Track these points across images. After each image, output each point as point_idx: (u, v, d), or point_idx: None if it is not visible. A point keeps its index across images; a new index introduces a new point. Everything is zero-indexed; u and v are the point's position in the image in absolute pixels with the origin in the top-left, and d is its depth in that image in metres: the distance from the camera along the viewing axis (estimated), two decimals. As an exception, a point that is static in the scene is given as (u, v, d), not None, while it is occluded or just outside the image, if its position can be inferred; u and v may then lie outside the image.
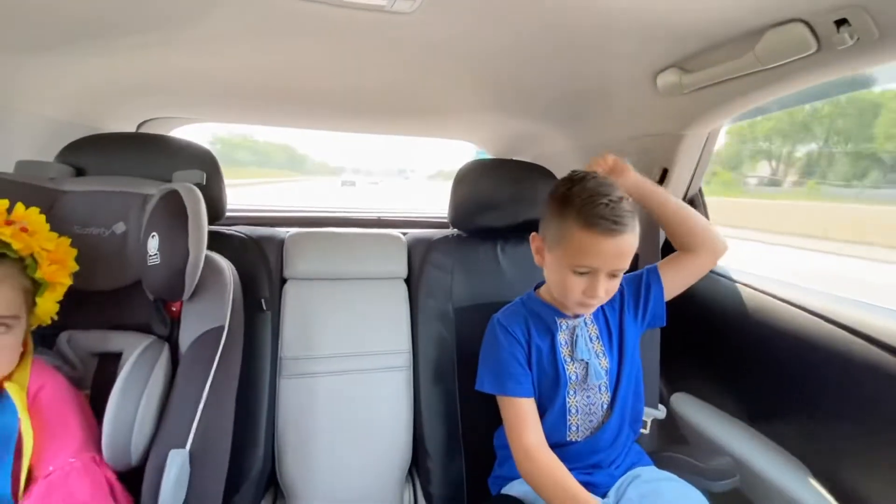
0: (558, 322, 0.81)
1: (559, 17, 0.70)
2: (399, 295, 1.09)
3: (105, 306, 0.76)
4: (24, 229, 0.62)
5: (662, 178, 1.03)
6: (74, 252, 0.69)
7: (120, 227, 0.76)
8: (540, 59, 0.89)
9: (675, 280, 0.83)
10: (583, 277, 0.71)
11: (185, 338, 0.73)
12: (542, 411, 0.79)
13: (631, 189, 0.81)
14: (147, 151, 0.88)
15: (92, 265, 0.73)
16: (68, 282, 0.68)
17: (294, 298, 1.03)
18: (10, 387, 0.59)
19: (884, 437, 0.69)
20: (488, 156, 1.81)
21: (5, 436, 0.58)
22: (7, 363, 0.60)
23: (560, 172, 1.13)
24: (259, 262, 0.99)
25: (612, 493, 0.77)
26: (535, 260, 0.80)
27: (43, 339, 0.72)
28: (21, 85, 0.91)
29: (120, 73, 1.00)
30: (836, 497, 0.73)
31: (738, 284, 0.98)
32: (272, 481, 0.98)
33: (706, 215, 1.11)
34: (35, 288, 0.64)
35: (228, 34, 0.81)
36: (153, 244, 0.69)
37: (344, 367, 1.01)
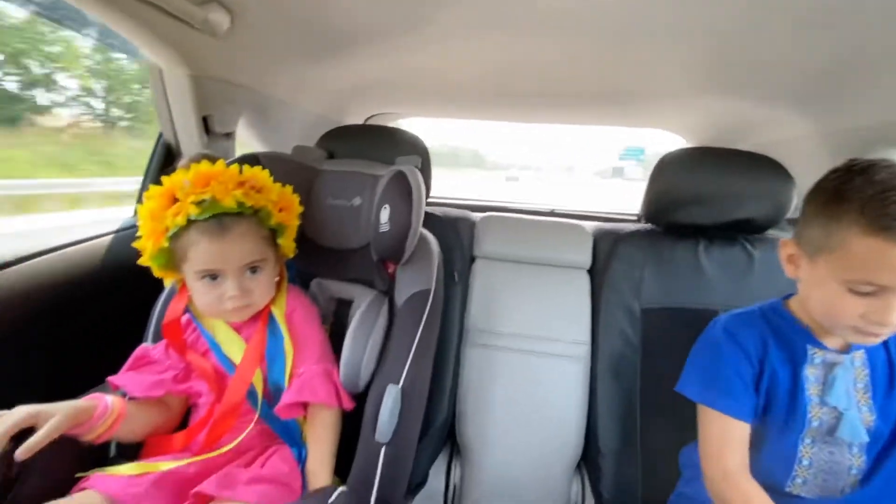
0: (811, 353, 0.65)
1: None
2: (581, 285, 1.08)
3: (343, 262, 0.93)
4: (253, 187, 0.71)
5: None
6: (297, 197, 0.80)
7: (357, 201, 0.92)
8: (780, 33, 0.75)
9: None
10: (863, 298, 0.55)
11: (399, 296, 0.85)
12: (756, 447, 0.66)
13: None
14: (377, 139, 1.05)
15: (339, 229, 0.91)
16: (297, 222, 0.80)
17: (481, 275, 1.11)
18: (274, 310, 0.78)
19: None
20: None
21: (278, 348, 0.77)
22: (269, 290, 0.76)
23: (793, 163, 0.95)
24: (453, 239, 1.09)
25: None
26: (787, 271, 0.65)
27: (303, 282, 0.93)
28: (301, 86, 1.19)
29: (358, 75, 1.21)
30: None
31: None
32: (451, 436, 1.09)
33: None
34: (273, 233, 0.77)
35: (453, 33, 0.90)
36: (385, 214, 0.83)
37: (522, 346, 1.06)
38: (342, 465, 0.72)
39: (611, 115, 1.44)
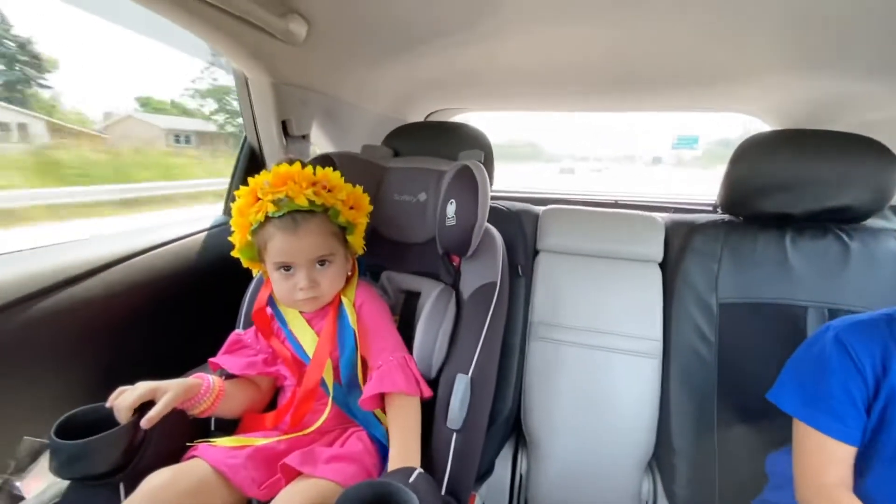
0: None
1: None
2: (652, 279, 1.04)
3: (410, 256, 0.96)
4: (324, 187, 0.75)
5: None
6: (366, 197, 0.83)
7: (422, 196, 0.94)
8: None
9: None
10: None
11: (465, 288, 0.87)
12: (864, 469, 0.61)
13: None
14: (440, 136, 1.07)
15: (405, 223, 0.94)
16: (366, 220, 0.83)
17: (545, 269, 1.10)
18: (344, 300, 0.82)
19: None
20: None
21: (347, 338, 0.80)
22: (336, 284, 0.80)
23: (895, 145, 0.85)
24: (517, 232, 1.09)
25: None
26: None
27: (373, 274, 0.97)
28: (365, 87, 1.24)
29: (418, 74, 1.24)
30: None
31: None
32: (517, 427, 1.10)
33: None
34: (343, 230, 0.80)
35: (518, 26, 0.90)
36: (451, 209, 0.85)
37: (589, 341, 1.04)
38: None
39: (686, 99, 1.36)
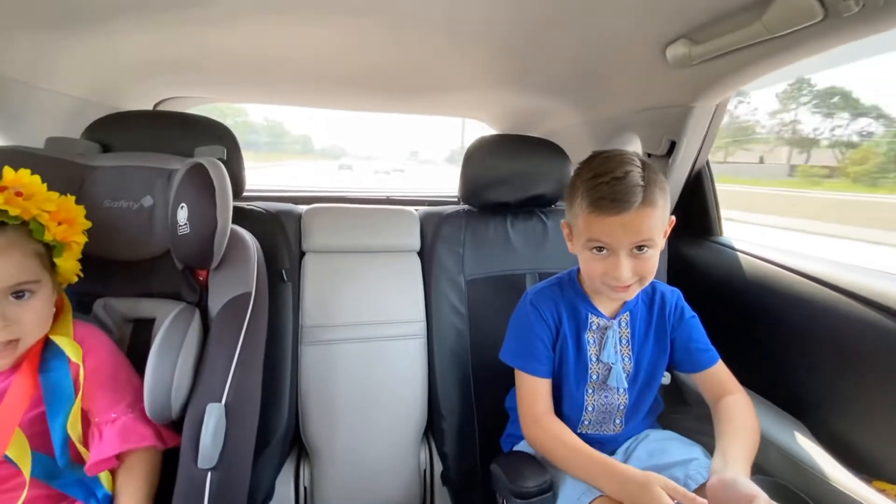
0: (590, 320, 0.79)
1: None
2: (413, 267, 1.13)
3: (137, 275, 0.79)
4: (18, 193, 0.61)
5: (670, 151, 1.04)
6: (82, 210, 0.70)
7: (148, 201, 0.79)
8: (548, 33, 0.90)
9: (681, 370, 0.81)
10: (601, 259, 0.69)
11: (214, 304, 0.77)
12: (557, 398, 0.80)
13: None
14: (169, 128, 0.91)
15: (123, 236, 0.77)
16: (83, 239, 0.69)
17: (313, 270, 1.07)
18: (58, 339, 0.64)
19: (874, 389, 0.72)
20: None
21: (62, 390, 0.63)
22: (42, 323, 0.63)
23: (570, 148, 1.15)
24: (278, 235, 1.02)
25: (620, 451, 0.81)
26: (569, 247, 0.78)
27: (80, 304, 0.76)
28: (45, 63, 0.94)
29: (137, 52, 1.02)
30: (831, 448, 0.77)
31: (738, 253, 1.01)
32: (297, 440, 1.04)
33: (713, 188, 1.12)
34: (49, 250, 0.65)
35: (243, 12, 0.83)
36: (182, 215, 0.73)
37: (362, 334, 1.06)
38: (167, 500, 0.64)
39: (421, 104, 1.51)
